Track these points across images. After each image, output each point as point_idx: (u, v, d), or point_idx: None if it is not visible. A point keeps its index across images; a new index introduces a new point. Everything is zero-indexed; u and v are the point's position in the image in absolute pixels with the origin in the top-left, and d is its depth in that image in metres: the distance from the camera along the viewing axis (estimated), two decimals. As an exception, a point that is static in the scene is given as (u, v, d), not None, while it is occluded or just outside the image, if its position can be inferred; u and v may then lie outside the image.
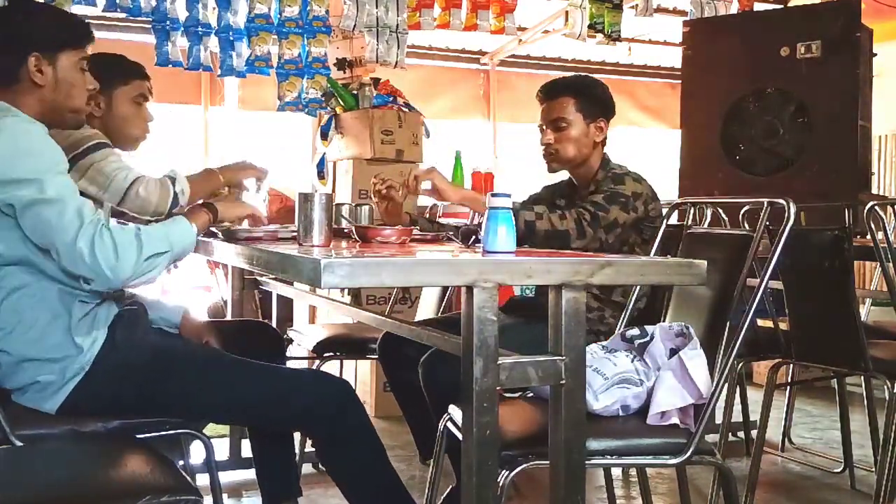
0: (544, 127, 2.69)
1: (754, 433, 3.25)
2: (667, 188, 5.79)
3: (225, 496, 2.65)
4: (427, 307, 3.48)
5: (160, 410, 1.98)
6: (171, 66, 4.20)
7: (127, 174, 2.21)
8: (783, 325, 3.12)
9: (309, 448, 3.02)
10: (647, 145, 7.45)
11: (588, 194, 2.61)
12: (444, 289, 3.31)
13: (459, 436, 1.75)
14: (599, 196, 2.49)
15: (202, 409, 2.03)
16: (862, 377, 3.31)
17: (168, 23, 4.16)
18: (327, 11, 4.41)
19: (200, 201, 2.31)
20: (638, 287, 2.38)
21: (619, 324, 2.38)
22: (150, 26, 4.21)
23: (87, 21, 2.07)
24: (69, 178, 1.87)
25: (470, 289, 1.52)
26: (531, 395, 2.13)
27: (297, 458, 2.89)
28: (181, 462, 2.18)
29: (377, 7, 4.42)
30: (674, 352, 1.95)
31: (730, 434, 3.57)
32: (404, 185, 2.53)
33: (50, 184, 1.78)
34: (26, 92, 1.95)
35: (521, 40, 5.90)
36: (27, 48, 1.93)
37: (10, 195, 1.78)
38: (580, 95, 2.65)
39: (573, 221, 2.40)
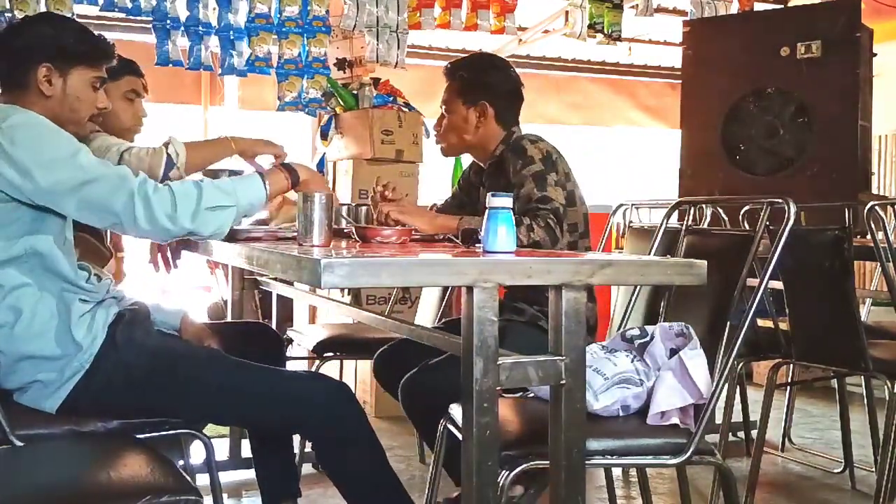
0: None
1: (754, 433, 3.25)
2: (667, 188, 5.81)
3: (225, 496, 2.65)
4: (427, 308, 3.48)
5: (160, 411, 1.97)
6: (171, 65, 4.20)
7: (118, 147, 2.22)
8: (783, 326, 3.12)
9: (308, 448, 3.02)
10: (647, 145, 7.46)
11: (489, 173, 2.62)
12: (444, 289, 3.31)
13: (459, 436, 1.75)
14: (531, 187, 2.38)
15: (202, 410, 2.02)
16: (862, 377, 3.31)
17: (168, 22, 4.16)
18: (327, 11, 4.41)
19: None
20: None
21: (620, 322, 2.38)
22: (150, 26, 4.21)
23: (111, 42, 2.10)
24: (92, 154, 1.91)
25: (470, 289, 1.52)
26: (531, 395, 2.13)
27: (297, 458, 2.89)
28: (181, 462, 2.18)
29: (377, 7, 4.42)
30: (674, 352, 1.95)
31: (730, 434, 3.57)
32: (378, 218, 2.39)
33: (85, 161, 1.84)
34: (33, 99, 1.98)
35: (521, 40, 5.89)
36: (40, 57, 1.98)
37: (50, 180, 1.81)
38: (460, 79, 2.61)
39: (542, 230, 2.29)
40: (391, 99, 4.57)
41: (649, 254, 2.35)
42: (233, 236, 2.12)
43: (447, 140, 2.66)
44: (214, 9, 4.26)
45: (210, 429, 2.18)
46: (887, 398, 2.71)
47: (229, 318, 3.42)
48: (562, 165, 2.49)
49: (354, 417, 2.05)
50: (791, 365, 3.18)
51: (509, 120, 2.64)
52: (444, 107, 2.65)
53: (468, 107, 2.60)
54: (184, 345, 2.23)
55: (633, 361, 1.95)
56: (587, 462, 1.70)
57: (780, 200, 2.00)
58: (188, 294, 5.56)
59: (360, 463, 2.04)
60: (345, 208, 2.57)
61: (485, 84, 2.61)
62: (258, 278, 3.35)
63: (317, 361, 3.23)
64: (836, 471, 3.42)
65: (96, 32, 2.11)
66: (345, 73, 4.81)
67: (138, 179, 1.85)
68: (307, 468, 3.18)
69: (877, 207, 2.77)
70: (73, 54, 2.01)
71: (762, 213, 2.05)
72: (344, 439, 2.03)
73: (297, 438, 2.86)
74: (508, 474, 1.72)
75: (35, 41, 1.99)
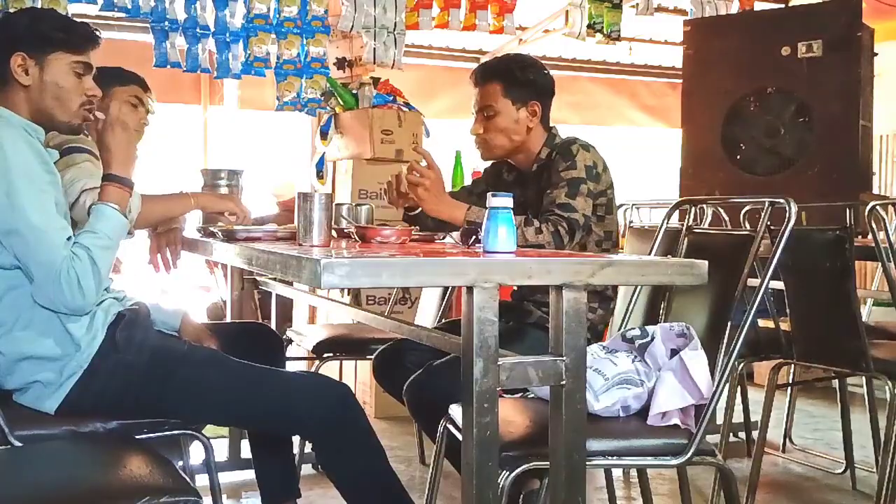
0: (474, 113, 2.59)
1: (755, 434, 3.24)
2: (667, 188, 5.80)
3: (224, 497, 2.64)
4: (427, 308, 3.47)
5: (159, 411, 1.97)
6: (169, 66, 4.19)
7: (85, 182, 2.13)
8: (784, 326, 3.11)
9: (308, 449, 3.02)
10: (647, 145, 7.45)
11: (534, 175, 2.55)
12: (445, 290, 3.30)
13: (459, 436, 1.75)
14: (561, 192, 2.37)
15: (201, 410, 2.02)
16: (863, 378, 3.30)
17: (167, 23, 4.15)
18: (326, 11, 4.40)
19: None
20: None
21: (620, 322, 2.38)
22: (148, 26, 4.20)
23: (91, 28, 2.04)
24: (48, 199, 1.84)
25: (470, 289, 1.51)
26: (531, 395, 2.12)
27: (297, 459, 2.89)
28: (180, 463, 2.17)
29: (375, 7, 4.41)
30: (675, 352, 1.95)
31: (731, 435, 3.57)
32: (397, 190, 2.40)
33: (27, 204, 1.78)
34: (15, 93, 1.95)
35: (521, 40, 5.89)
36: (13, 47, 1.93)
37: None
38: (508, 80, 2.52)
39: (549, 234, 2.28)
40: (391, 98, 4.57)
41: (650, 254, 2.35)
42: (233, 236, 2.12)
43: (495, 142, 2.55)
44: (212, 11, 4.25)
45: (209, 429, 2.17)
46: (888, 399, 2.70)
47: (229, 319, 3.41)
48: (605, 177, 2.47)
49: (354, 418, 2.04)
50: (792, 365, 3.18)
51: (548, 120, 2.61)
52: (487, 110, 2.54)
53: (518, 107, 2.52)
54: (183, 345, 2.23)
55: (633, 362, 1.95)
56: (587, 463, 1.69)
57: (780, 200, 2.00)
58: (188, 294, 5.56)
59: (361, 466, 2.03)
60: (345, 208, 2.56)
61: (531, 83, 2.54)
62: (258, 278, 3.34)
63: (316, 362, 3.22)
64: (837, 471, 3.41)
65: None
66: (344, 72, 4.81)
67: (62, 260, 1.79)
68: (307, 468, 3.18)
69: (878, 207, 2.76)
70: (48, 40, 1.95)
71: (763, 213, 2.04)
72: (344, 440, 2.02)
73: (296, 439, 2.85)
74: (508, 475, 1.71)
75: (9, 33, 1.95)
